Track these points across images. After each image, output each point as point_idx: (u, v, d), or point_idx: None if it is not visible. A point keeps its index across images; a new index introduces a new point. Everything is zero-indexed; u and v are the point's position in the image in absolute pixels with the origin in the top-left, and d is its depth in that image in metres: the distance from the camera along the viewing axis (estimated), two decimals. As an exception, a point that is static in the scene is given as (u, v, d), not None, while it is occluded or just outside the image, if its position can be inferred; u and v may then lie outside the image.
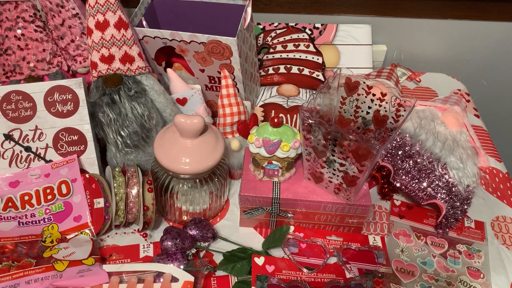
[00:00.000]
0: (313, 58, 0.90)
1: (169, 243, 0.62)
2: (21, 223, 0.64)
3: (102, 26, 0.64)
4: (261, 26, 0.98)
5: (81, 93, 0.68)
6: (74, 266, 0.58)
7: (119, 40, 0.65)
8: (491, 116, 0.94)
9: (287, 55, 0.91)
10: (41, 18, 0.75)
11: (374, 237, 0.68)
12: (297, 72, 0.88)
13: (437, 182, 0.67)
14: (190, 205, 0.67)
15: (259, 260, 0.63)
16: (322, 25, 0.97)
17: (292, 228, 0.68)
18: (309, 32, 0.96)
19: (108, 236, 0.67)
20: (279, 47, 0.93)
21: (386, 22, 0.98)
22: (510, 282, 0.63)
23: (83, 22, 0.73)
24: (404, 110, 0.56)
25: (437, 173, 0.67)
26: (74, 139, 0.69)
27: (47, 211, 0.65)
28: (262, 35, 0.96)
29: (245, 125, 0.71)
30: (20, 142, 0.68)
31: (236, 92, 0.71)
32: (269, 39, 0.95)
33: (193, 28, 0.72)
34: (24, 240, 0.62)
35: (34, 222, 0.64)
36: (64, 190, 0.66)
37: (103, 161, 0.72)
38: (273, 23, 0.97)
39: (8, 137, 0.68)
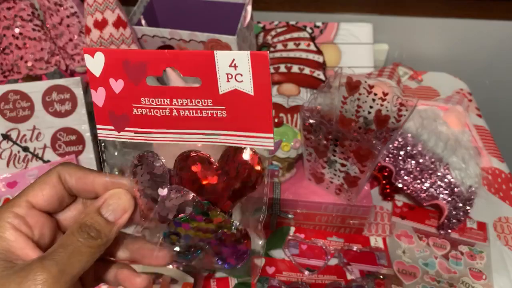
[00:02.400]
0: (314, 57, 0.90)
1: (168, 244, 0.61)
2: (19, 224, 0.64)
3: (100, 24, 0.64)
4: (261, 25, 0.97)
5: (79, 92, 0.68)
6: (72, 267, 0.57)
7: (117, 39, 0.65)
8: (494, 116, 0.94)
9: (288, 54, 0.90)
10: (39, 17, 0.74)
11: (375, 238, 0.67)
12: (298, 71, 0.88)
13: (439, 182, 0.66)
14: (189, 206, 0.66)
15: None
16: (323, 23, 0.96)
17: (292, 229, 0.67)
18: (310, 31, 0.95)
19: (107, 237, 0.66)
20: (279, 46, 0.92)
21: (388, 21, 0.97)
22: (513, 283, 0.62)
23: (81, 20, 0.73)
24: (406, 110, 0.55)
25: (439, 174, 0.66)
26: (72, 139, 0.68)
27: (45, 211, 0.64)
28: (262, 34, 0.95)
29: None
30: (18, 142, 0.68)
31: (236, 92, 0.70)
32: (269, 38, 0.94)
33: (193, 26, 0.72)
34: (22, 241, 0.62)
35: (32, 223, 0.64)
36: (62, 191, 0.65)
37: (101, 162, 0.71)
38: (273, 22, 0.97)
39: (5, 137, 0.67)
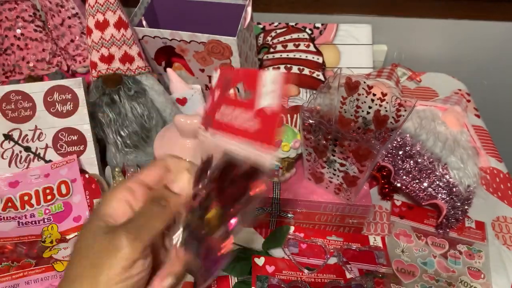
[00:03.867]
0: (313, 58, 0.90)
1: (169, 243, 0.61)
2: (20, 223, 0.64)
3: (101, 25, 0.64)
4: (261, 26, 0.97)
5: (80, 93, 0.68)
6: (74, 266, 0.58)
7: (118, 40, 0.65)
8: (492, 116, 0.94)
9: (287, 55, 0.91)
10: (40, 18, 0.75)
11: (374, 238, 0.68)
12: (297, 72, 0.88)
13: (437, 182, 0.67)
14: (190, 205, 0.67)
15: (259, 261, 0.63)
16: (322, 24, 0.97)
17: (292, 228, 0.68)
18: (309, 32, 0.95)
19: (108, 237, 0.67)
20: (279, 47, 0.93)
21: (387, 21, 0.98)
22: (510, 282, 0.63)
23: (82, 21, 0.73)
24: (405, 110, 0.56)
25: (437, 173, 0.67)
26: (73, 139, 0.69)
27: (47, 211, 0.65)
28: (262, 35, 0.95)
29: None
30: (20, 142, 0.68)
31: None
32: (269, 38, 0.94)
33: (193, 27, 0.72)
34: (23, 240, 0.62)
35: (33, 223, 0.64)
36: (63, 190, 0.66)
37: (102, 161, 0.72)
38: (273, 23, 0.97)
39: (7, 137, 0.68)
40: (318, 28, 0.96)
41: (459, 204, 0.66)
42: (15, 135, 0.68)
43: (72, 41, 0.74)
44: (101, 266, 0.29)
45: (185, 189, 0.35)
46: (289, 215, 0.66)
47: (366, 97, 0.59)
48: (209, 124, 0.34)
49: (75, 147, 0.69)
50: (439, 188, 0.67)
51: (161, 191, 0.34)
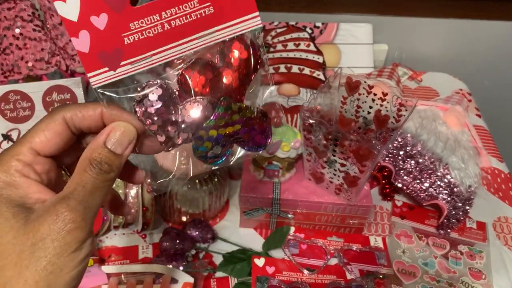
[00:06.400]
0: (313, 57, 0.90)
1: (168, 244, 0.61)
2: (19, 224, 0.64)
3: (100, 25, 0.64)
4: (261, 25, 0.97)
5: (79, 92, 0.68)
6: (73, 267, 0.58)
7: (118, 39, 0.65)
8: (493, 116, 0.94)
9: (288, 55, 0.91)
10: (39, 17, 0.74)
11: (375, 238, 0.67)
12: (298, 71, 0.88)
13: (438, 182, 0.66)
14: (189, 206, 0.67)
15: (259, 261, 0.62)
16: (322, 24, 0.96)
17: (292, 228, 0.68)
18: (310, 31, 0.95)
19: (107, 237, 0.66)
20: (279, 46, 0.92)
21: (387, 21, 0.97)
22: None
23: (81, 21, 0.73)
24: (406, 110, 0.55)
25: (438, 174, 0.66)
26: (72, 139, 0.68)
27: (46, 211, 0.64)
28: (262, 34, 0.95)
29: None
30: (19, 142, 0.68)
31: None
32: (269, 38, 0.94)
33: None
34: (22, 241, 0.62)
35: (32, 223, 0.64)
36: (62, 191, 0.65)
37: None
38: (273, 22, 0.97)
39: (6, 137, 0.67)
40: (318, 27, 0.96)
41: (460, 204, 0.66)
42: (14, 135, 0.67)
43: (71, 40, 0.74)
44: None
45: (126, 145, 0.29)
46: (289, 215, 0.66)
47: (367, 97, 0.58)
48: (117, 59, 0.29)
49: (74, 147, 0.69)
50: (440, 189, 0.66)
51: (99, 152, 0.28)
